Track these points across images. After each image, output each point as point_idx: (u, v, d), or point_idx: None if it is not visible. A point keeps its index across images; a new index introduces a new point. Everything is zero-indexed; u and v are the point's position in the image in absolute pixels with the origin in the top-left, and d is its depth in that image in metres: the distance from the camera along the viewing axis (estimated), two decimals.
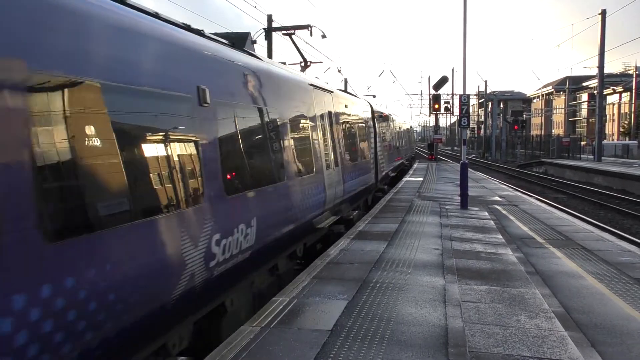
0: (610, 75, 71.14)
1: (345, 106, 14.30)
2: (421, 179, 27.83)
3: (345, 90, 17.97)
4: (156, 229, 4.54)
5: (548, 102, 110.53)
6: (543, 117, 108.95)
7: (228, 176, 6.15)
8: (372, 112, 19.79)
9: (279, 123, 8.34)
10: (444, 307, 6.52)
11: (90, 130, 3.95)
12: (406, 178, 28.41)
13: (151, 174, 4.63)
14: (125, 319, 4.05)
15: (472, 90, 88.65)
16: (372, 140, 18.57)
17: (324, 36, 22.19)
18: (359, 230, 11.97)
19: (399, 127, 34.40)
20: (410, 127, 58.10)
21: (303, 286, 7.32)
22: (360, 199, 15.65)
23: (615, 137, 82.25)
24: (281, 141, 8.32)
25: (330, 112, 12.12)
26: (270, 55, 27.17)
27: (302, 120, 9.84)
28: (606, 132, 78.17)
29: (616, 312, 6.55)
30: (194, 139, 5.45)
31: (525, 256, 9.60)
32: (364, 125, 16.98)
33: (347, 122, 14.30)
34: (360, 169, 15.16)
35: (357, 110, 16.34)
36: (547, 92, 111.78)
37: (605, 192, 27.41)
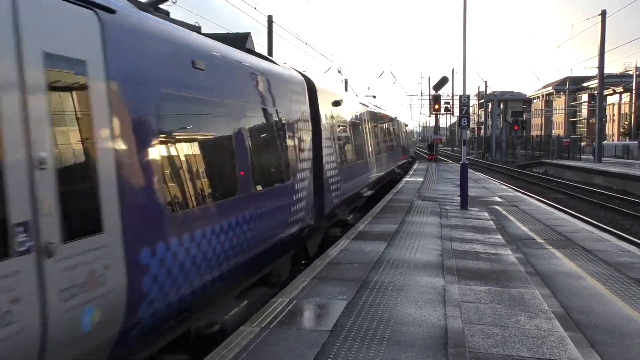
0: (611, 76, 71.06)
1: (196, 68, 5.79)
2: (421, 179, 27.84)
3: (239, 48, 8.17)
4: None
5: (548, 103, 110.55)
6: (543, 118, 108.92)
7: None
8: (313, 93, 10.93)
9: None
10: (443, 307, 6.53)
11: None
12: (406, 178, 28.39)
13: None
14: None
15: (472, 90, 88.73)
16: (309, 145, 10.15)
17: None
18: (359, 230, 11.97)
19: (382, 123, 23.65)
20: (405, 125, 44.55)
21: (303, 286, 7.33)
22: (256, 274, 7.58)
23: (616, 137, 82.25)
24: None
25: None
26: (270, 55, 27.18)
27: None
28: (606, 132, 78.15)
29: (615, 313, 6.55)
30: None
31: (525, 256, 9.60)
32: (277, 118, 8.54)
33: (210, 111, 6.23)
34: (254, 210, 7.01)
35: (253, 85, 7.70)
36: (547, 92, 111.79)
37: (605, 192, 27.41)
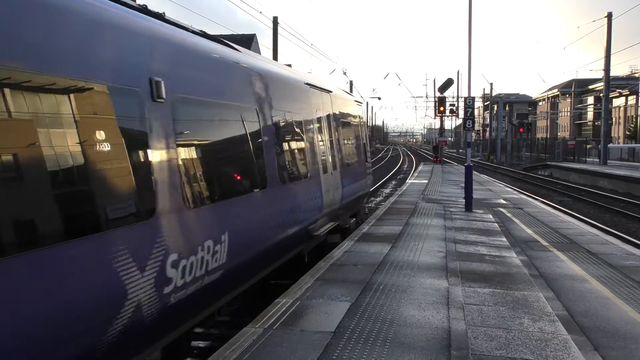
0: (617, 78, 70.82)
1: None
2: (426, 181, 27.81)
3: None
4: None
5: (554, 105, 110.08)
6: (549, 120, 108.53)
7: None
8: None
9: None
10: (447, 309, 6.52)
11: None
12: (410, 180, 28.38)
13: None
14: None
15: (477, 92, 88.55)
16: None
17: None
18: (363, 232, 11.98)
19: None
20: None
21: (306, 288, 7.34)
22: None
23: (621, 140, 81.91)
24: None
25: None
26: (275, 58, 27.22)
27: None
28: (612, 135, 77.83)
29: (620, 316, 6.53)
30: None
31: (529, 259, 9.58)
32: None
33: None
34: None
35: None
36: (552, 94, 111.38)
37: (610, 195, 27.30)
